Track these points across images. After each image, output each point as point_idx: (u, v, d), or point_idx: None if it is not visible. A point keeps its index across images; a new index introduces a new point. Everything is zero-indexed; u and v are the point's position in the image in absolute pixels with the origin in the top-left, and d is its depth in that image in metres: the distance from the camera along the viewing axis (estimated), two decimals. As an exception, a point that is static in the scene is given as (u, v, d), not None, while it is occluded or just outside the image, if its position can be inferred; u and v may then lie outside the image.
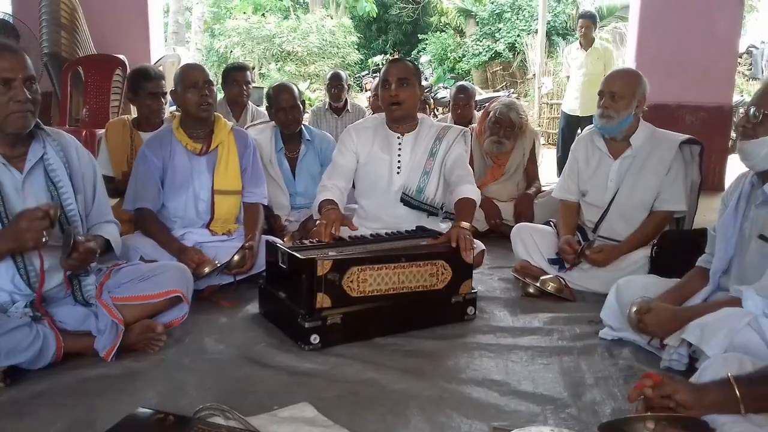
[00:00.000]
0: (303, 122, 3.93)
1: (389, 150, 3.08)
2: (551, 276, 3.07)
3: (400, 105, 2.95)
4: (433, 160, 3.06)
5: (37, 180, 2.18)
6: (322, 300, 2.35)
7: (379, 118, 3.15)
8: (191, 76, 2.99)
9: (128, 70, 4.77)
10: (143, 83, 3.50)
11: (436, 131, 3.09)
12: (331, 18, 18.79)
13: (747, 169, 2.22)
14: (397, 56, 16.85)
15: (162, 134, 3.13)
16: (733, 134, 7.25)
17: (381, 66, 17.72)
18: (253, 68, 16.19)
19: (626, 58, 6.99)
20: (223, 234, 3.09)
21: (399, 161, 3.07)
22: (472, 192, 2.86)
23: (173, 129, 3.07)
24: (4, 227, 2.06)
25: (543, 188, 4.43)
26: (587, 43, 6.61)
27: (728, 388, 1.53)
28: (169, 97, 3.53)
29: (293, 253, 2.44)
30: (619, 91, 3.00)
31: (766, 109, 1.96)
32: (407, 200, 3.07)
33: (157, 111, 3.56)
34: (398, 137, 3.08)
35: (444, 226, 3.12)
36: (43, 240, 1.98)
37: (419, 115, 3.15)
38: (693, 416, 1.51)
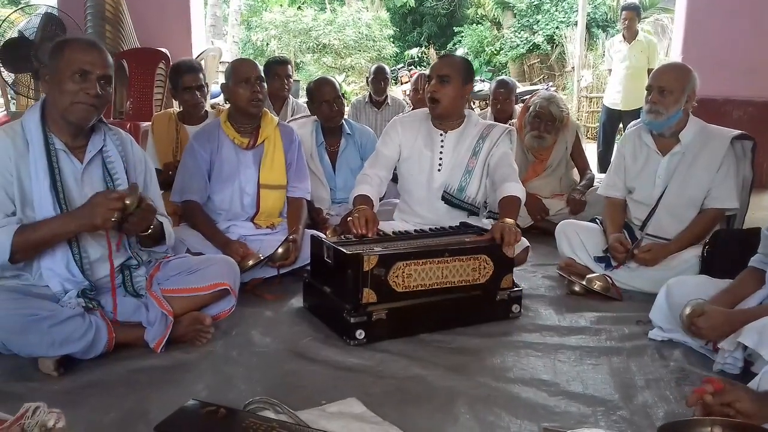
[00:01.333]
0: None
1: (431, 147, 3.06)
2: (597, 274, 3.01)
3: (438, 102, 2.94)
4: (475, 158, 3.03)
5: (95, 171, 2.23)
6: (368, 295, 2.34)
7: (425, 113, 3.13)
8: (243, 72, 2.99)
9: (171, 64, 4.83)
10: (180, 77, 3.55)
11: (481, 129, 3.06)
12: (367, 10, 18.78)
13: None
14: (433, 51, 16.82)
15: (210, 128, 3.16)
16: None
17: (416, 59, 17.73)
18: (290, 60, 16.26)
19: (672, 51, 6.82)
20: (267, 227, 3.12)
21: (441, 159, 3.05)
22: (516, 190, 2.83)
23: (221, 123, 3.10)
24: (60, 209, 2.12)
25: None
26: (631, 35, 6.47)
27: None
28: (212, 89, 3.56)
29: (339, 247, 2.44)
30: (668, 85, 2.92)
31: None
32: (448, 198, 3.05)
33: (195, 105, 3.60)
34: (441, 134, 3.06)
35: (486, 223, 3.10)
36: (112, 220, 2.00)
37: (467, 111, 3.12)
38: (756, 425, 1.47)
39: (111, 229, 2.16)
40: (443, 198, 3.06)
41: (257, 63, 3.17)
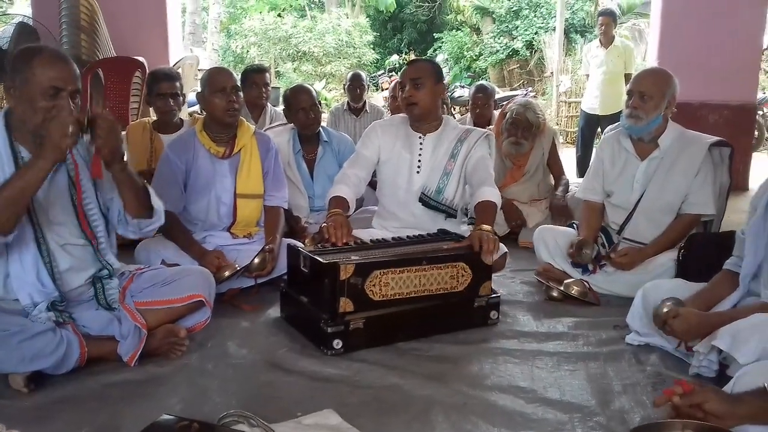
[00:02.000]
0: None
1: (410, 149, 3.07)
2: (575, 279, 3.02)
3: (415, 105, 2.96)
4: (453, 161, 3.04)
5: (61, 179, 2.19)
6: (345, 304, 2.33)
7: (403, 117, 3.14)
8: (219, 81, 2.96)
9: (147, 72, 4.79)
10: (155, 84, 3.54)
11: (459, 133, 3.07)
12: (347, 17, 18.81)
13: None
14: (413, 57, 16.88)
15: (185, 137, 3.13)
16: (756, 132, 7.13)
17: (397, 65, 17.78)
18: (269, 68, 16.24)
19: (648, 56, 6.90)
20: (244, 237, 3.09)
21: (419, 161, 3.06)
22: (492, 195, 2.83)
23: (196, 132, 3.07)
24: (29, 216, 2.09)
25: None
26: (607, 40, 6.52)
27: (764, 399, 1.50)
28: (189, 98, 3.54)
29: (315, 257, 2.42)
30: (648, 91, 2.94)
31: None
32: (426, 200, 3.05)
33: (168, 112, 3.58)
34: (420, 137, 3.07)
35: (465, 229, 3.10)
36: (70, 132, 1.91)
37: (444, 116, 3.13)
38: (725, 427, 1.48)
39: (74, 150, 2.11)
40: (421, 200, 3.06)
41: (233, 72, 3.13)
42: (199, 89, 3.07)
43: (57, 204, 2.18)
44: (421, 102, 2.95)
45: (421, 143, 3.06)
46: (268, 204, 3.15)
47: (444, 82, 3.12)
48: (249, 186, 3.08)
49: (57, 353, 2.06)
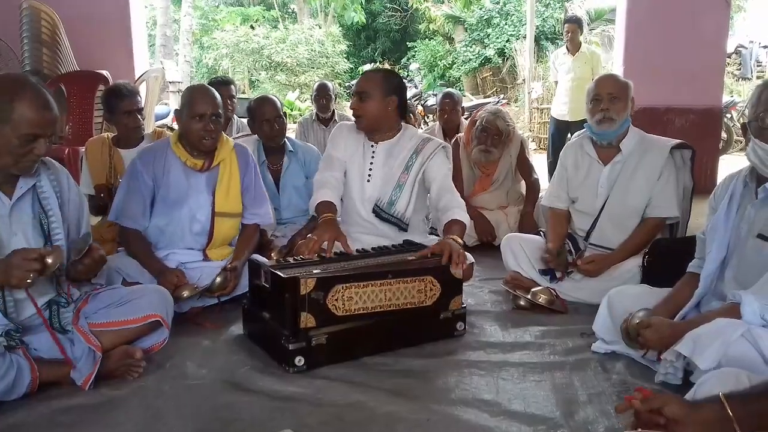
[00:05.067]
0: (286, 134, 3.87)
1: (363, 156, 3.03)
2: (542, 287, 3.00)
3: (360, 117, 2.92)
4: (407, 174, 2.96)
5: (25, 208, 2.12)
6: (306, 320, 2.28)
7: None
8: (199, 108, 2.83)
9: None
10: (117, 102, 3.45)
11: (416, 144, 3.00)
12: (320, 27, 18.81)
13: (735, 171, 2.22)
14: (387, 66, 16.97)
15: (156, 148, 2.99)
16: (723, 135, 7.22)
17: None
18: (240, 84, 16.14)
19: (614, 62, 6.96)
20: (220, 260, 2.99)
21: (370, 170, 3.00)
22: (463, 216, 2.80)
23: (171, 144, 2.94)
24: None
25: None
26: (574, 47, 6.57)
27: (720, 407, 1.48)
28: (158, 110, 3.46)
29: (275, 271, 2.37)
30: (616, 92, 2.97)
31: None
32: (378, 212, 3.00)
33: (135, 128, 3.51)
34: (372, 145, 3.02)
35: (432, 239, 3.06)
36: (29, 281, 1.91)
37: (404, 124, 3.08)
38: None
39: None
40: (374, 211, 3.01)
41: (217, 97, 2.92)
42: (166, 101, 2.99)
43: (20, 233, 2.11)
44: (366, 115, 2.91)
45: (373, 151, 3.01)
46: (247, 222, 3.07)
47: (399, 93, 2.96)
48: (228, 204, 2.98)
49: (6, 379, 1.99)
